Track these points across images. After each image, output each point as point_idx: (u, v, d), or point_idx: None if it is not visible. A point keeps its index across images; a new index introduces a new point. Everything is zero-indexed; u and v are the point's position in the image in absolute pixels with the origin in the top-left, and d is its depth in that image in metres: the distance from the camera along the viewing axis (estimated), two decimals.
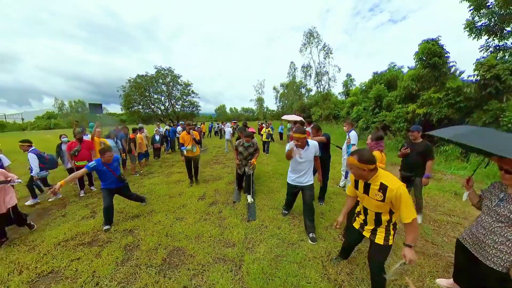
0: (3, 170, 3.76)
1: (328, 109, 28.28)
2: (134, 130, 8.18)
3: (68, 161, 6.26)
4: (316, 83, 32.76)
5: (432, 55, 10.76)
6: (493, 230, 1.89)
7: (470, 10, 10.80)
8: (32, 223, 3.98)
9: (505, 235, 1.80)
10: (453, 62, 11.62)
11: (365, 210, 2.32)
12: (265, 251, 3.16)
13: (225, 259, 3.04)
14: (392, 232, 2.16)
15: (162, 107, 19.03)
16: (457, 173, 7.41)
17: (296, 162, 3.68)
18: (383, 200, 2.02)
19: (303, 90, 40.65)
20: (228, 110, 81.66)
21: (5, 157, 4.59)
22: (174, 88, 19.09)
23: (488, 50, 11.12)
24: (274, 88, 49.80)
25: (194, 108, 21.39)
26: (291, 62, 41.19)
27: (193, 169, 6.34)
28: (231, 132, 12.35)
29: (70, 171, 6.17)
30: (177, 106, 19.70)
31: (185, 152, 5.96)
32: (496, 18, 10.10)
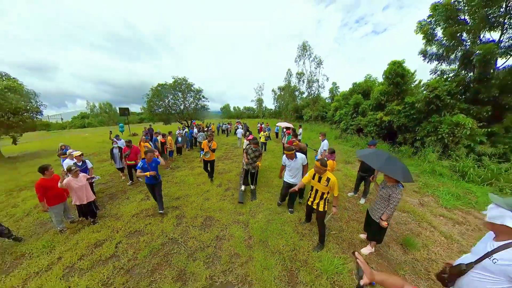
0: (85, 174, 4.62)
1: (317, 111, 29.44)
2: (164, 135, 9.45)
3: (118, 161, 7.23)
4: (307, 89, 33.82)
5: (396, 76, 11.62)
6: (376, 201, 3.21)
7: (423, 42, 11.72)
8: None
9: (379, 204, 3.13)
10: (417, 79, 12.73)
11: (316, 192, 3.52)
12: (262, 217, 4.49)
13: (238, 222, 4.40)
14: (327, 203, 3.49)
15: (178, 110, 20.12)
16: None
17: (288, 169, 4.55)
18: (327, 186, 3.31)
19: (297, 93, 41.32)
20: (232, 109, 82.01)
21: (88, 161, 5.41)
22: (188, 94, 20.27)
23: (436, 73, 12.07)
24: (273, 91, 50.48)
25: (204, 110, 22.47)
26: (288, 69, 41.70)
27: (209, 168, 6.87)
28: (242, 132, 13.16)
29: (121, 169, 7.40)
30: (190, 109, 20.80)
31: (201, 156, 6.63)
32: (443, 48, 11.03)
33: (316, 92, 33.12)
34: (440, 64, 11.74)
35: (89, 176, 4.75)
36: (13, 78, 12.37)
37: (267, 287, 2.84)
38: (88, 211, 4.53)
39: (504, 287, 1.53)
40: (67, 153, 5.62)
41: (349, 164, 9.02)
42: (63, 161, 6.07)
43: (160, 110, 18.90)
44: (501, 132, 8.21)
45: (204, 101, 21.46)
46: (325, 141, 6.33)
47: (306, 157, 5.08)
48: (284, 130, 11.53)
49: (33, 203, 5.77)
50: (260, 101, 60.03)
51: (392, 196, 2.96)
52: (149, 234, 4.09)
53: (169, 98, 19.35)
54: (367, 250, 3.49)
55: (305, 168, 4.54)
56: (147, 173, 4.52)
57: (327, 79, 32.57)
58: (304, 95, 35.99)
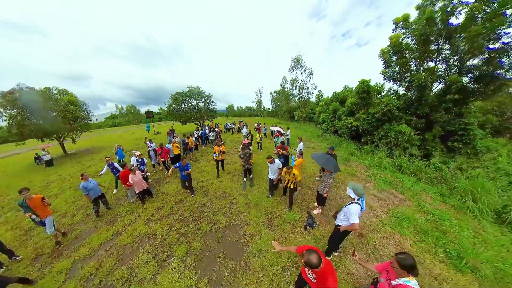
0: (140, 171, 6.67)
1: (306, 113, 31.02)
2: (188, 137, 11.00)
3: (154, 159, 8.80)
4: (298, 94, 35.19)
5: (363, 92, 12.91)
6: (321, 183, 4.71)
7: (383, 65, 12.86)
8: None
9: (322, 184, 4.62)
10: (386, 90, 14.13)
11: (289, 180, 4.87)
12: (256, 192, 6.15)
13: (242, 194, 6.10)
14: (295, 184, 4.91)
15: (192, 112, 21.80)
16: (362, 161, 9.73)
17: (270, 169, 5.64)
18: (293, 176, 4.72)
19: (290, 97, 42.18)
20: (235, 108, 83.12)
21: (144, 159, 7.18)
22: (200, 100, 22.04)
23: (391, 92, 13.38)
24: (271, 93, 51.09)
25: (213, 112, 24.14)
26: (284, 76, 42.59)
27: (220, 166, 7.80)
28: (247, 131, 13.86)
29: (155, 166, 9.01)
30: (202, 112, 22.50)
31: (214, 157, 7.50)
32: (397, 72, 12.25)
33: (306, 97, 34.51)
34: (394, 84, 13.03)
35: (142, 173, 6.16)
36: (71, 92, 14.00)
37: (257, 227, 4.64)
38: (147, 192, 6.06)
39: (346, 222, 3.15)
40: (134, 153, 7.17)
41: None
42: (119, 156, 8.38)
43: (178, 113, 20.74)
44: (430, 138, 9.93)
45: (213, 104, 23.25)
46: (301, 144, 7.71)
47: (289, 158, 6.59)
48: (275, 132, 12.66)
49: (106, 185, 7.64)
50: (259, 102, 61.23)
51: (328, 180, 4.58)
52: (189, 202, 5.87)
53: (185, 104, 21.14)
54: (316, 211, 5.12)
55: (280, 169, 5.57)
56: (184, 172, 5.84)
57: (316, 87, 34.00)
58: (296, 98, 37.21)
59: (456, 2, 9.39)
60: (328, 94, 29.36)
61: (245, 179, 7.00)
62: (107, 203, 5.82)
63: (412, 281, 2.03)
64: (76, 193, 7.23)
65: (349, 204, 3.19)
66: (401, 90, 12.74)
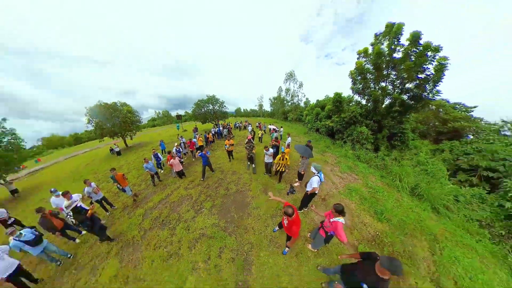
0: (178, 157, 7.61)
1: (296, 115, 31.71)
2: (208, 133, 11.68)
3: (184, 149, 9.51)
4: (290, 100, 35.61)
5: (337, 102, 13.54)
6: (300, 165, 5.45)
7: (351, 83, 13.30)
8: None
9: (301, 165, 5.30)
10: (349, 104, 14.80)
11: (280, 164, 5.19)
12: (258, 173, 6.93)
13: (247, 173, 6.86)
14: (284, 167, 5.29)
15: (210, 115, 22.81)
16: (334, 152, 10.12)
17: (266, 155, 5.90)
18: (286, 159, 5.09)
19: (285, 102, 42.25)
20: (242, 110, 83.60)
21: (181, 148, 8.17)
22: (216, 105, 23.08)
23: (357, 103, 13.83)
24: (270, 99, 51.00)
25: (225, 114, 25.15)
26: (279, 86, 42.35)
27: (230, 155, 8.26)
28: (251, 129, 14.21)
29: (185, 153, 9.66)
30: (217, 114, 23.51)
31: (226, 148, 7.89)
32: (360, 88, 12.72)
33: (296, 103, 35.00)
34: (359, 97, 13.49)
35: (180, 159, 7.16)
36: (128, 104, 15.57)
37: (256, 192, 5.50)
38: (182, 174, 6.90)
39: (310, 188, 3.96)
40: (175, 144, 8.12)
41: None
42: (162, 147, 9.42)
43: (200, 115, 22.10)
44: (380, 137, 10.76)
45: (225, 108, 24.26)
46: (289, 138, 8.29)
47: (279, 149, 7.08)
48: (271, 129, 13.33)
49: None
50: (260, 106, 61.65)
51: (304, 163, 5.23)
52: (211, 177, 6.76)
53: (205, 108, 22.37)
54: (296, 184, 5.78)
55: (272, 155, 5.94)
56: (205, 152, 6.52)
57: (304, 95, 34.63)
58: (289, 104, 37.72)
59: (396, 43, 10.39)
60: (313, 101, 29.83)
61: (248, 163, 7.33)
62: (159, 177, 6.86)
63: (341, 219, 2.55)
64: (139, 171, 8.35)
65: (312, 176, 3.94)
66: (363, 101, 13.32)
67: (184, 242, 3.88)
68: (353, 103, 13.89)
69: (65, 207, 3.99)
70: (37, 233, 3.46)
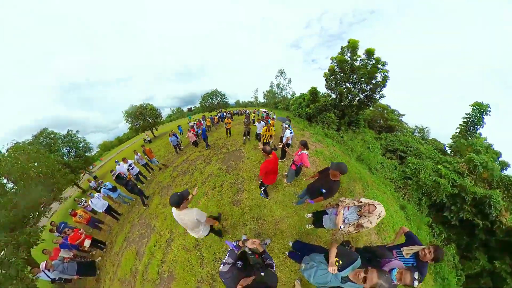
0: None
1: (284, 105, 31.45)
2: (214, 116, 12.10)
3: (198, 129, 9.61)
4: (280, 93, 35.11)
5: (313, 93, 14.00)
6: (283, 132, 6.28)
7: (325, 81, 13.65)
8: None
9: (283, 132, 5.84)
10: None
11: (266, 136, 4.72)
12: (250, 144, 7.47)
13: (243, 144, 7.17)
14: (271, 138, 4.79)
15: (214, 105, 22.69)
16: (309, 131, 9.81)
17: (258, 128, 5.75)
18: (273, 130, 4.57)
19: (276, 95, 40.52)
20: (240, 102, 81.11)
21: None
22: (219, 97, 22.89)
23: (329, 97, 14.19)
24: (263, 92, 49.24)
25: (227, 105, 25.03)
26: (271, 82, 39.87)
27: (228, 131, 8.07)
28: (248, 112, 14.39)
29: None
30: (220, 104, 23.42)
31: (225, 126, 8.08)
32: (332, 85, 13.25)
33: (285, 95, 34.74)
34: (330, 92, 13.97)
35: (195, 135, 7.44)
36: (151, 104, 17.45)
37: (248, 150, 5.85)
38: (196, 144, 7.36)
39: (284, 139, 4.31)
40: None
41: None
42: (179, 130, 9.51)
43: (206, 106, 22.23)
44: (343, 122, 11.69)
45: (226, 99, 24.20)
46: (275, 117, 9.17)
47: (267, 122, 6.40)
48: (264, 113, 13.98)
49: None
50: (256, 98, 59.79)
51: (284, 129, 4.63)
52: (216, 144, 7.31)
53: (210, 100, 22.29)
54: (280, 146, 6.33)
55: (263, 127, 5.24)
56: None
57: (292, 89, 34.34)
58: (279, 96, 37.41)
59: (354, 56, 11.47)
60: (298, 94, 29.81)
61: (244, 137, 6.98)
62: (180, 148, 7.61)
63: (305, 151, 2.61)
64: (166, 149, 9.09)
65: (285, 130, 4.35)
66: (333, 96, 13.92)
67: (198, 180, 4.69)
68: (324, 95, 14.39)
69: (127, 169, 5.27)
70: (113, 185, 4.72)
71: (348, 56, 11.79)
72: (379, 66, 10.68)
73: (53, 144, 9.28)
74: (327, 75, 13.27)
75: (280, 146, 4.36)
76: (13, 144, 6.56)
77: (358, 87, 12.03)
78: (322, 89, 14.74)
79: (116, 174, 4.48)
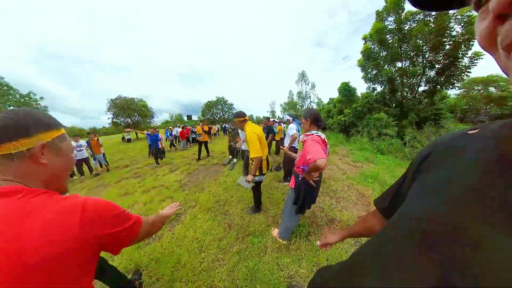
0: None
1: None
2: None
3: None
4: (302, 103, 33.93)
5: (345, 91, 11.96)
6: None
7: (361, 71, 11.59)
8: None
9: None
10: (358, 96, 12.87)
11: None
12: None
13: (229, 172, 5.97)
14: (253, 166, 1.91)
15: (218, 117, 22.62)
16: (347, 147, 8.68)
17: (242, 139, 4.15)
18: (246, 141, 1.93)
19: (297, 107, 40.93)
20: (254, 117, 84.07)
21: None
22: (224, 107, 22.86)
23: (370, 88, 11.78)
24: (281, 105, 49.80)
25: (233, 117, 24.94)
26: (290, 90, 40.67)
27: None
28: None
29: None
30: (225, 116, 23.24)
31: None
32: (372, 74, 10.94)
33: (309, 105, 33.15)
34: (372, 84, 11.66)
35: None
36: (144, 101, 17.11)
37: (215, 192, 4.36)
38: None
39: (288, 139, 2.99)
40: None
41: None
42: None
43: (208, 116, 22.10)
44: (407, 124, 8.59)
45: (234, 110, 24.00)
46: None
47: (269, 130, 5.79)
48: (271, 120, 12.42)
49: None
50: (273, 112, 60.27)
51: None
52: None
53: (213, 110, 22.30)
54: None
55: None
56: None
57: (317, 96, 32.42)
58: (301, 106, 35.92)
59: (404, 15, 8.42)
60: (326, 100, 27.88)
61: (230, 157, 6.07)
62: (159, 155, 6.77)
63: (315, 131, 1.41)
64: (142, 152, 9.24)
65: (289, 124, 3.19)
66: (379, 88, 11.41)
67: (147, 185, 4.15)
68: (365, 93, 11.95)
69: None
70: None
71: (390, 20, 8.94)
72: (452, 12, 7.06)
73: (1, 96, 9.30)
74: (361, 62, 11.06)
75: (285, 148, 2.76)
76: None
77: (421, 61, 8.76)
78: (360, 88, 12.50)
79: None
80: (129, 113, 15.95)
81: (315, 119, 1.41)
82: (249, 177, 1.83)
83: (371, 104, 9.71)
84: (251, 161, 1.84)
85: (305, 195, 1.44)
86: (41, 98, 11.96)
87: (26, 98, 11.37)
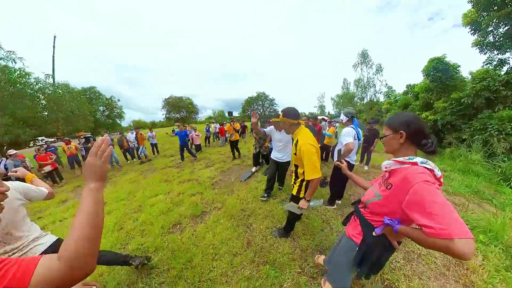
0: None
1: (372, 115, 24.01)
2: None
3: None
4: (362, 94, 27.35)
5: (438, 72, 8.37)
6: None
7: (471, 33, 7.86)
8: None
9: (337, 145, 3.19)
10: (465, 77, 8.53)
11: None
12: None
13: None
14: (303, 188, 1.64)
15: (259, 113, 22.72)
16: (439, 164, 6.26)
17: (274, 143, 2.91)
18: (295, 154, 1.58)
19: (356, 100, 31.37)
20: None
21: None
22: (266, 102, 22.66)
23: (492, 64, 7.66)
24: (332, 99, 41.04)
25: (274, 112, 24.50)
26: (344, 78, 33.70)
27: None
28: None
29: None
30: (266, 112, 23.14)
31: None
32: (497, 36, 7.04)
33: (373, 97, 26.39)
34: (497, 52, 7.48)
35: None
36: (190, 98, 20.49)
37: (243, 197, 3.47)
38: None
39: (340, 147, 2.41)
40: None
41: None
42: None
43: (249, 112, 23.06)
44: None
45: (276, 106, 23.48)
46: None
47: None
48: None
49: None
50: (322, 107, 53.36)
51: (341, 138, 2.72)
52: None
53: (254, 106, 22.67)
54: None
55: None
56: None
57: (386, 84, 24.93)
58: (363, 101, 28.19)
59: None
60: (400, 90, 21.20)
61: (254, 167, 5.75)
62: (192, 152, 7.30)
63: (420, 158, 0.82)
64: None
65: (344, 128, 2.49)
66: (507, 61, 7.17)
67: (183, 176, 4.73)
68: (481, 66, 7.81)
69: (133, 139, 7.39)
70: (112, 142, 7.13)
71: None
72: None
73: (94, 100, 14.33)
74: (472, 16, 7.49)
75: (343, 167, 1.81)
76: (65, 83, 10.93)
77: None
78: (467, 64, 8.59)
79: (123, 137, 7.11)
80: (179, 109, 19.53)
81: (416, 132, 0.86)
82: (303, 204, 1.57)
83: (493, 91, 6.01)
84: (290, 173, 1.94)
85: (378, 258, 0.98)
86: (118, 100, 16.96)
87: (109, 100, 16.33)
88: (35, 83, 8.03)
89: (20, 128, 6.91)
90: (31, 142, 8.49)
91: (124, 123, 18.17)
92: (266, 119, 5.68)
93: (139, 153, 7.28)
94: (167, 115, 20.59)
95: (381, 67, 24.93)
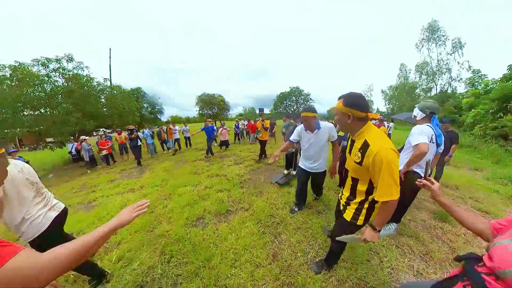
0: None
1: (445, 112, 16.65)
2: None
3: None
4: (429, 83, 20.90)
5: None
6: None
7: None
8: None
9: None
10: None
11: (346, 172, 1.34)
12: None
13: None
14: (364, 212, 1.16)
15: (292, 110, 22.24)
16: None
17: (304, 148, 2.28)
18: (359, 163, 1.07)
19: (418, 91, 25.11)
20: (326, 112, 72.51)
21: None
22: (299, 99, 21.73)
23: None
24: (383, 91, 33.81)
25: (310, 109, 24.04)
26: (401, 64, 27.16)
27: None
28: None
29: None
30: (300, 109, 22.39)
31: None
32: None
33: (446, 87, 19.64)
34: None
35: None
36: (221, 95, 25.08)
37: (271, 200, 3.13)
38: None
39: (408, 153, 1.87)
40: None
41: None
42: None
43: (281, 109, 22.77)
44: None
45: (311, 102, 22.32)
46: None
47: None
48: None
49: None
50: (369, 102, 44.98)
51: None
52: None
53: (287, 102, 22.06)
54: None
55: (334, 147, 2.57)
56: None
57: (469, 67, 17.19)
58: (432, 93, 21.62)
59: None
60: (493, 74, 15.13)
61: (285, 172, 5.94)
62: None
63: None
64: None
65: (415, 127, 1.87)
66: None
67: (212, 171, 4.88)
68: None
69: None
70: (152, 134, 8.56)
71: None
72: None
73: (140, 98, 17.35)
74: None
75: (424, 182, 1.12)
76: (118, 85, 13.19)
77: None
78: None
79: (160, 129, 8.73)
80: (211, 106, 20.80)
81: None
82: (371, 235, 1.09)
83: None
84: (332, 176, 2.29)
85: None
86: (159, 98, 19.74)
87: (151, 98, 19.50)
88: (97, 85, 10.24)
89: (87, 120, 8.94)
90: (94, 132, 10.71)
91: (163, 118, 21.32)
92: (298, 116, 5.03)
93: (167, 146, 8.59)
94: (200, 111, 22.50)
95: (460, 42, 18.20)
